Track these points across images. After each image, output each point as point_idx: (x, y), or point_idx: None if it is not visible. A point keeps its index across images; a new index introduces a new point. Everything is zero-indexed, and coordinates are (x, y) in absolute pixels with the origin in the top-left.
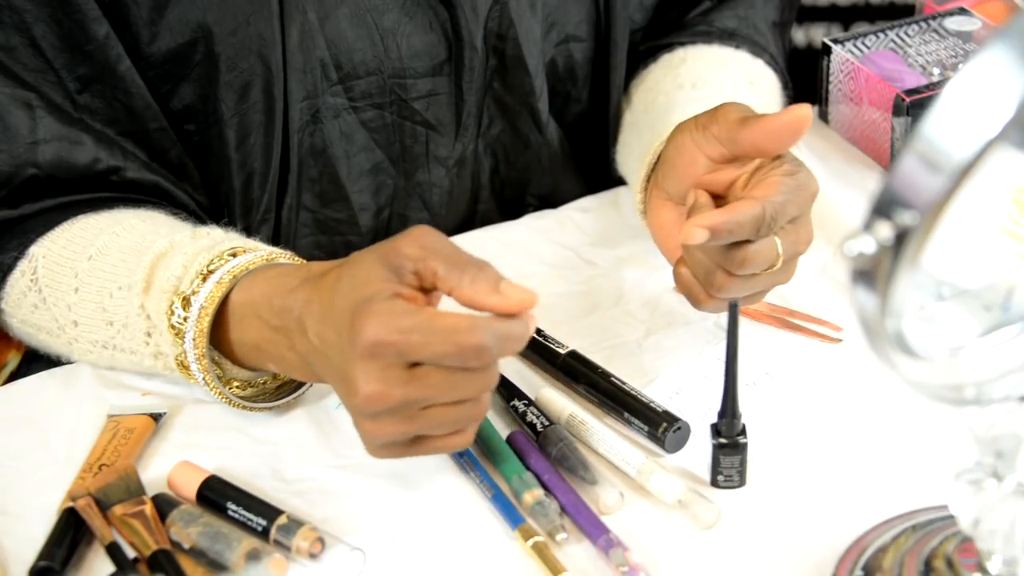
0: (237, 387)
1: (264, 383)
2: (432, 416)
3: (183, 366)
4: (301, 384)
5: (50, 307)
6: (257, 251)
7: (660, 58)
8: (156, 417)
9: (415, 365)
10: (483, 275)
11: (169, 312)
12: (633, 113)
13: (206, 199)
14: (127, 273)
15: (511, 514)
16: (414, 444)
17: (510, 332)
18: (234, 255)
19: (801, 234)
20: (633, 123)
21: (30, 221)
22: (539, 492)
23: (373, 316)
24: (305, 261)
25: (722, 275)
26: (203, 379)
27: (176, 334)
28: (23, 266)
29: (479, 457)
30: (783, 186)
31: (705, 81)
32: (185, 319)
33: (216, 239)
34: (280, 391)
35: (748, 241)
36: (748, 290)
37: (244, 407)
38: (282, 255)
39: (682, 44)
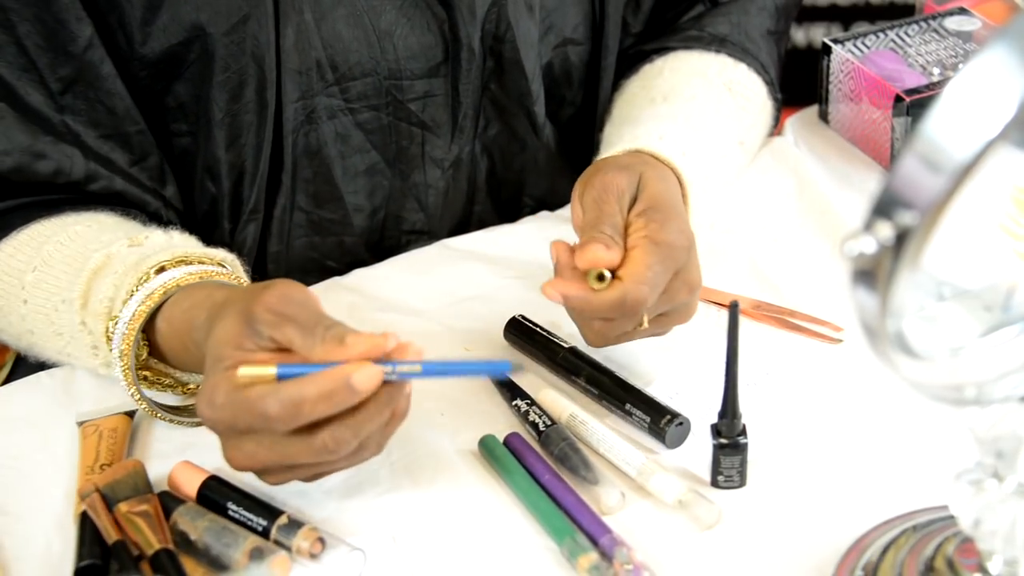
0: (193, 388)
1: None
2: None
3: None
4: None
5: (6, 315)
6: (188, 263)
7: (640, 69)
8: (130, 415)
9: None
10: (330, 334)
11: (106, 336)
12: (611, 124)
13: (182, 205)
14: (68, 287)
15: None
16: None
17: (303, 395)
18: (162, 269)
19: (677, 288)
20: (608, 135)
21: None
22: (594, 556)
23: (206, 391)
24: (227, 257)
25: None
26: (129, 392)
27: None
28: None
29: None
30: (648, 269)
31: (677, 93)
32: (116, 336)
33: (149, 250)
34: None
35: None
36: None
37: (171, 420)
38: (210, 260)
39: (661, 53)
